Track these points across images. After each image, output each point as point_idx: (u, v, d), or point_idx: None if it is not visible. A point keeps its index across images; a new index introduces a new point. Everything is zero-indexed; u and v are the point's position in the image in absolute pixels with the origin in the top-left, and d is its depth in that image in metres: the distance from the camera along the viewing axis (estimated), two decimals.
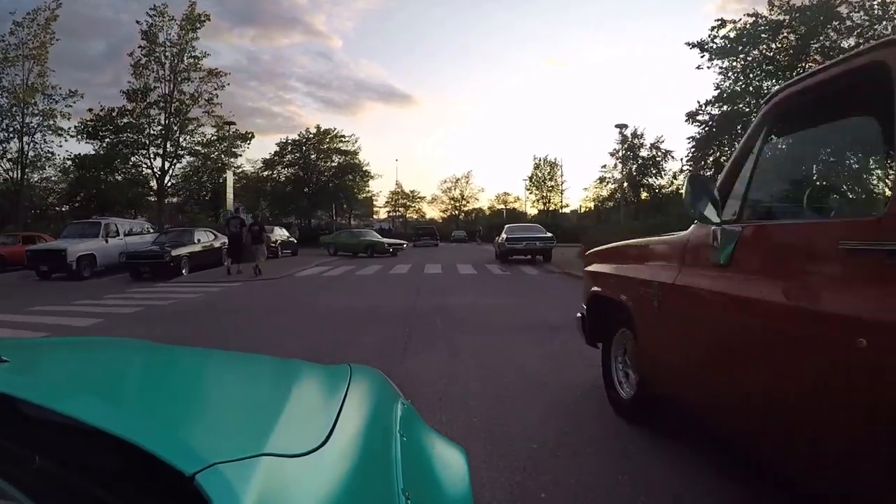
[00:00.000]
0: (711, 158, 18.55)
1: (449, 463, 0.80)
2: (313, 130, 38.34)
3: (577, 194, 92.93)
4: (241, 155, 33.46)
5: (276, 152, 37.83)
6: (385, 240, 21.27)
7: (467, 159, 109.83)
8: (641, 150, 39.59)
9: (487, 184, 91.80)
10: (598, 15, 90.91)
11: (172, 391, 0.87)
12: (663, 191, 37.44)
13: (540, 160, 50.00)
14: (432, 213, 56.40)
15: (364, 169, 38.94)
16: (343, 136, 38.55)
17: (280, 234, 20.57)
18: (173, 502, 0.53)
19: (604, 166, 42.30)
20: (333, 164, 38.28)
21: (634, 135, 39.89)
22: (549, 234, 15.90)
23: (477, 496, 0.79)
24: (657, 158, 37.62)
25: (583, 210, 48.70)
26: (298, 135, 38.68)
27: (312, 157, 37.79)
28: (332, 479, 0.60)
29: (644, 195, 38.65)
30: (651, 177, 38.49)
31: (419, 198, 55.19)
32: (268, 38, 75.46)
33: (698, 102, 18.56)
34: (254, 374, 1.05)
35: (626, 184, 19.73)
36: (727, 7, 61.22)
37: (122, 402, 0.78)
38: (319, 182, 37.50)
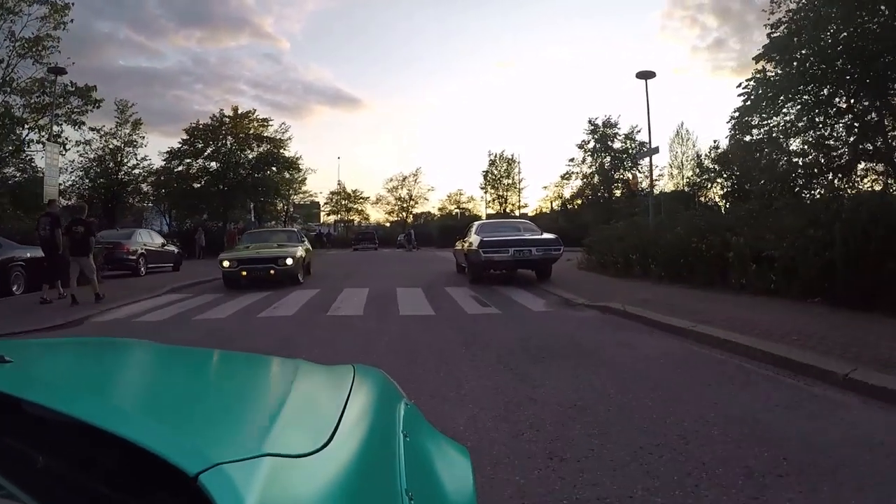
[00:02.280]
0: (776, 118, 16.30)
1: (452, 463, 0.91)
2: (229, 113, 36.56)
3: (533, 194, 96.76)
4: (140, 142, 31.64)
5: (184, 140, 35.49)
6: (252, 253, 12.15)
7: (418, 164, 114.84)
8: (615, 141, 41.42)
9: (438, 188, 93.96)
10: (548, 17, 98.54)
11: (175, 391, 0.94)
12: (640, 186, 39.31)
13: (496, 156, 51.20)
14: (378, 215, 56.26)
15: (292, 160, 37.51)
16: (266, 121, 37.19)
17: (146, 240, 16.56)
18: (176, 502, 0.60)
19: (571, 160, 43.74)
20: (253, 155, 36.60)
21: (607, 124, 41.68)
22: (552, 236, 11.28)
23: None
24: (632, 151, 39.41)
25: (533, 213, 49.82)
26: (211, 118, 36.34)
27: (228, 144, 35.99)
28: (335, 479, 0.69)
29: (618, 192, 40.34)
30: (627, 170, 40.28)
31: (362, 198, 55.04)
32: (214, 39, 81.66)
33: (769, 36, 15.83)
34: (257, 374, 1.13)
35: (651, 155, 17.66)
36: (674, 14, 67.60)
37: (125, 402, 0.84)
38: (238, 176, 35.72)
